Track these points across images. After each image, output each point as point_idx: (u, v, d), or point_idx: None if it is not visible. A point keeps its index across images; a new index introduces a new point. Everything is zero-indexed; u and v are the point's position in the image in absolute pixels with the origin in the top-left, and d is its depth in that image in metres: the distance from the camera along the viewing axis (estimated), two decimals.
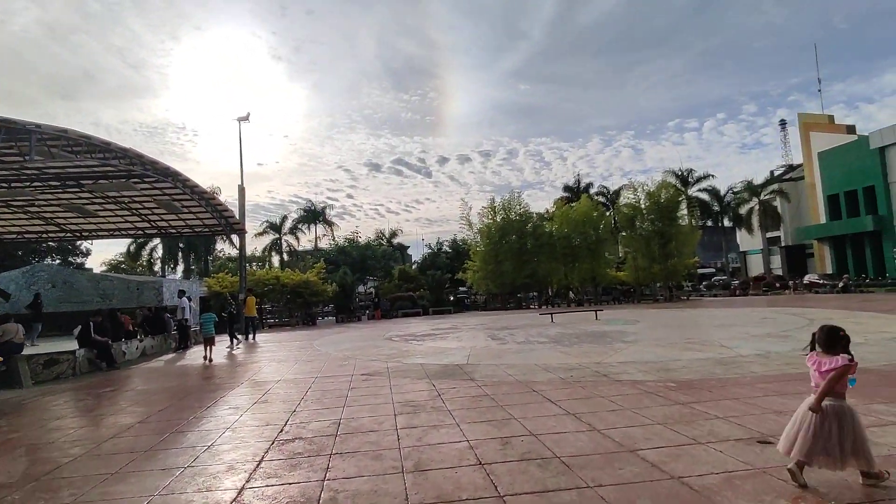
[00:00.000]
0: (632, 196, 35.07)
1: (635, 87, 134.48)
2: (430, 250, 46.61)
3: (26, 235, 19.70)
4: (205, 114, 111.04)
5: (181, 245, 38.13)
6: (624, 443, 4.51)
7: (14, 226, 18.56)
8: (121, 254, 44.24)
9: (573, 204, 37.17)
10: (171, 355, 14.04)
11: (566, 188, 50.62)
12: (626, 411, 5.59)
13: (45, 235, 20.17)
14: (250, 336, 17.94)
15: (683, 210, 36.16)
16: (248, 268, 25.15)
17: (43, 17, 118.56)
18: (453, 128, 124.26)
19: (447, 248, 44.69)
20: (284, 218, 46.62)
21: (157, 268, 40.23)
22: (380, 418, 5.84)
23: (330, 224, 48.01)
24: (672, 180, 41.67)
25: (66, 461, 4.89)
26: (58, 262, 36.28)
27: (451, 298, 35.70)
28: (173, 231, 20.93)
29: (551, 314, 19.51)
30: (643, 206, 33.97)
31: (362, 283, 36.05)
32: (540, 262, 33.62)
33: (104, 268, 43.53)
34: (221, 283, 25.72)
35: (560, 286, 36.53)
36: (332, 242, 43.90)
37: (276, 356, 12.61)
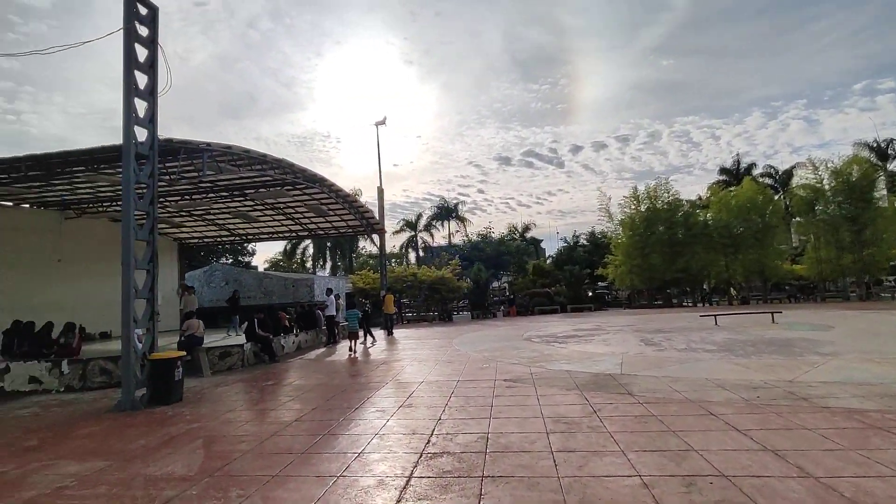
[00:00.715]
0: (811, 176, 29.88)
1: (806, 49, 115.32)
2: (565, 244, 45.05)
3: (205, 240, 23.03)
4: (346, 121, 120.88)
5: (328, 244, 41.84)
6: (861, 502, 3.49)
7: (196, 231, 21.79)
8: (279, 253, 50.06)
9: (733, 188, 32.93)
10: (321, 349, 15.21)
11: (723, 170, 45.25)
12: (850, 453, 4.43)
13: (219, 239, 23.37)
14: (389, 332, 18.92)
15: (883, 189, 29.82)
16: (387, 265, 26.51)
17: (215, 50, 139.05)
18: (587, 114, 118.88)
19: (584, 241, 42.73)
20: (419, 216, 48.62)
21: (308, 265, 44.69)
22: (531, 436, 5.40)
23: (462, 220, 48.91)
24: (865, 154, 34.75)
25: (236, 457, 5.26)
26: (230, 261, 42.12)
27: (590, 295, 33.99)
28: (321, 232, 22.80)
29: (714, 315, 17.32)
30: (826, 186, 28.77)
31: (496, 278, 36.02)
32: (695, 254, 30.32)
33: (266, 265, 49.70)
34: (365, 280, 27.49)
35: (719, 281, 32.67)
36: (466, 238, 44.65)
37: (416, 355, 12.90)
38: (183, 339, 11.63)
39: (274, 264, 49.12)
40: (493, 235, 44.38)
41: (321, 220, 21.06)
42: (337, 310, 16.52)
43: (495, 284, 36.22)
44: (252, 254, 44.72)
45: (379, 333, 19.19)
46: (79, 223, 17.38)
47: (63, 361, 10.26)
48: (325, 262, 44.47)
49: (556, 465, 4.49)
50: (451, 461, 4.75)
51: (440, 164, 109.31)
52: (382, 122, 24.10)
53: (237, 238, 22.73)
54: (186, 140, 10.19)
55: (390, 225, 49.07)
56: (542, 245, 54.55)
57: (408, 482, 4.31)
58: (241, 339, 12.89)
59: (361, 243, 47.54)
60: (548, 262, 42.41)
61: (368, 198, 38.53)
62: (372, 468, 4.71)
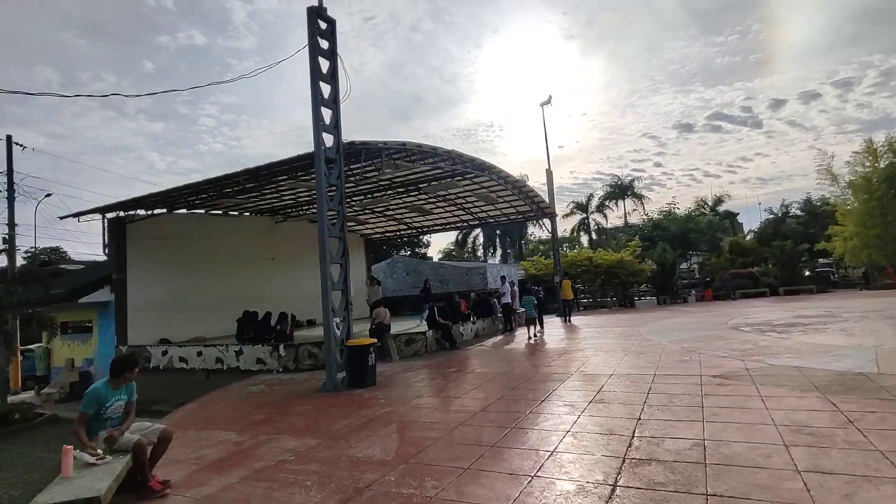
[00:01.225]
0: None
1: None
2: (771, 216, 38.71)
3: (386, 234, 25.08)
4: (508, 108, 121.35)
5: (498, 232, 42.46)
6: None
7: (378, 227, 23.86)
8: (451, 243, 52.50)
9: None
10: (499, 337, 15.29)
11: None
12: None
13: (398, 233, 25.21)
14: (567, 318, 18.27)
15: None
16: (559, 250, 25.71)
17: (384, 59, 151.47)
18: (790, 61, 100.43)
19: (796, 211, 36.14)
20: (590, 196, 46.38)
21: (479, 253, 45.97)
22: (762, 448, 4.45)
23: (639, 198, 45.28)
24: None
25: (428, 445, 5.35)
26: (408, 253, 45.45)
27: (807, 275, 28.58)
28: (491, 220, 23.07)
29: None
30: None
31: (684, 259, 32.54)
32: None
33: (440, 255, 52.65)
34: (536, 266, 27.14)
35: None
36: (645, 217, 41.23)
37: (600, 344, 12.11)
38: (373, 326, 12.65)
39: (447, 254, 51.72)
40: (677, 211, 40.19)
41: (490, 207, 21.24)
42: (512, 297, 16.45)
43: (683, 266, 32.77)
44: (427, 245, 47.64)
45: (555, 321, 18.67)
46: (285, 226, 20.24)
47: (280, 346, 11.93)
48: (494, 249, 45.27)
49: (808, 490, 3.57)
50: (662, 471, 4.12)
51: (609, 141, 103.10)
52: (548, 102, 23.33)
53: (413, 231, 24.24)
54: (366, 141, 10.94)
55: (559, 208, 47.66)
56: (739, 219, 47.78)
57: (612, 492, 3.82)
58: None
59: (531, 229, 47.23)
60: (748, 237, 36.91)
61: (535, 182, 38.08)
62: (568, 471, 4.32)
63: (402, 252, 41.27)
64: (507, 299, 16.20)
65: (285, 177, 13.82)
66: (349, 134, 10.51)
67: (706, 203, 43.34)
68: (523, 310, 18.03)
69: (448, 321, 13.36)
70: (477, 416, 6.40)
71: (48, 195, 27.57)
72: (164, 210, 16.27)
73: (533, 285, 18.39)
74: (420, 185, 17.57)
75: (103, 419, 4.69)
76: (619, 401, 6.55)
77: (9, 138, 19.04)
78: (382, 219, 22.42)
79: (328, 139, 9.71)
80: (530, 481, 4.15)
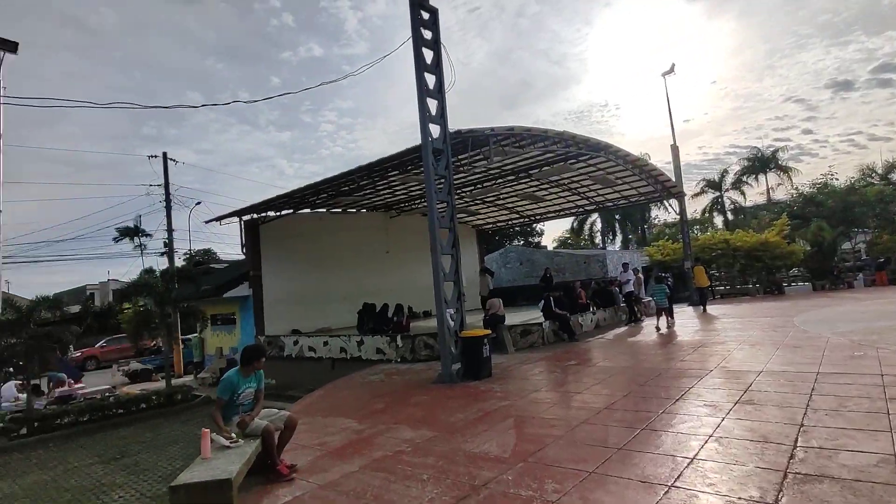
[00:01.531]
0: None
1: None
2: None
3: (498, 224, 24.84)
4: (623, 85, 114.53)
5: (617, 216, 40.13)
6: None
7: (489, 217, 23.71)
8: (565, 231, 50.76)
9: None
10: (622, 328, 14.35)
11: None
12: None
13: (510, 222, 24.84)
14: (703, 308, 16.66)
15: None
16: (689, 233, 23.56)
17: (490, 48, 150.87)
18: None
19: None
20: (724, 172, 41.90)
21: (597, 240, 43.89)
22: None
23: (785, 170, 39.92)
24: None
25: (548, 443, 5.04)
26: (521, 243, 44.82)
27: None
28: (609, 204, 21.78)
29: None
30: None
31: (847, 238, 28.08)
32: None
33: (554, 244, 51.18)
34: (663, 251, 25.18)
35: None
36: (793, 192, 36.26)
37: (744, 336, 10.78)
38: (487, 317, 12.52)
39: (562, 243, 50.14)
40: (835, 183, 34.73)
41: (608, 190, 20.04)
42: (637, 286, 15.34)
43: (846, 246, 28.33)
44: (540, 234, 46.63)
45: (686, 310, 17.11)
46: (399, 220, 20.92)
47: (398, 336, 12.29)
48: (614, 235, 42.90)
49: None
50: (839, 491, 3.41)
51: (744, 110, 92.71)
52: (670, 72, 21.34)
53: (526, 219, 23.72)
54: (473, 129, 10.78)
55: (687, 188, 43.73)
56: None
57: None
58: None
59: (654, 212, 44.04)
60: None
61: (659, 161, 35.08)
62: (714, 482, 3.76)
63: (515, 242, 40.79)
64: (630, 288, 15.14)
65: (396, 172, 14.18)
66: (457, 126, 10.43)
67: (874, 171, 36.95)
68: (649, 299, 16.82)
69: (565, 311, 12.79)
70: (601, 413, 5.94)
71: (198, 203, 31.45)
72: (291, 210, 17.64)
73: (660, 272, 16.95)
74: (531, 172, 17.07)
75: (236, 405, 5.05)
76: (773, 403, 5.67)
77: (164, 155, 22.05)
78: (493, 208, 22.22)
79: (434, 130, 9.69)
80: (667, 492, 3.68)
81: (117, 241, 26.92)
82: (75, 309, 37.08)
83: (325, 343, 14.00)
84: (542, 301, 12.89)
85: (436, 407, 7.24)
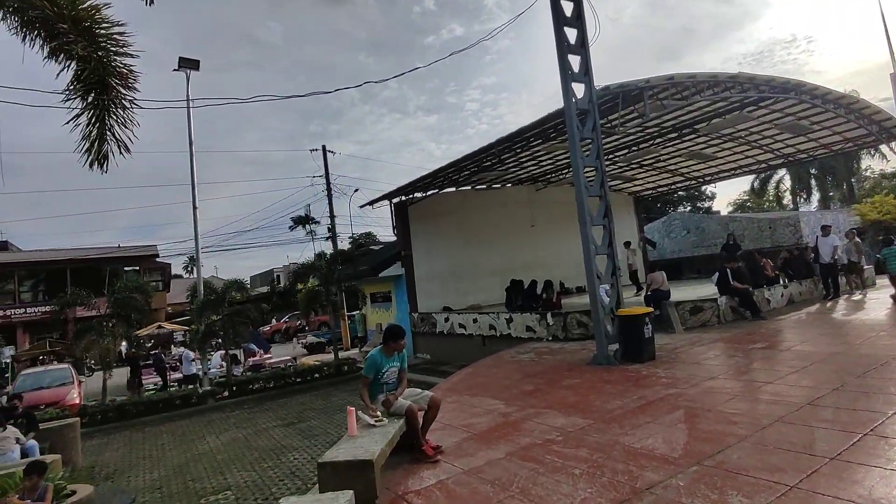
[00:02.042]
0: None
1: None
2: None
3: (659, 189, 22.52)
4: (817, 13, 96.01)
5: (813, 171, 33.89)
6: None
7: (649, 182, 21.58)
8: (744, 192, 44.48)
9: None
10: (819, 304, 12.00)
11: None
12: None
13: (673, 187, 22.37)
14: None
15: None
16: None
17: None
18: None
19: None
20: None
21: (786, 201, 37.70)
22: None
23: None
24: None
25: (730, 443, 4.24)
26: (688, 209, 40.48)
27: None
28: (803, 156, 18.29)
29: None
30: None
31: None
32: None
33: (730, 208, 45.18)
34: (881, 209, 20.71)
35: None
36: None
37: None
38: (649, 293, 11.39)
39: (739, 206, 44.13)
40: None
41: (801, 139, 16.84)
42: (854, 252, 12.66)
43: None
44: (712, 198, 41.63)
45: None
46: (547, 192, 20.14)
47: (548, 314, 11.80)
48: (809, 194, 36.39)
49: None
50: None
51: None
52: None
53: (693, 182, 21.14)
54: (623, 83, 9.67)
55: None
56: None
57: None
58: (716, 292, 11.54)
59: (866, 162, 36.30)
60: None
61: (870, 98, 28.52)
62: None
63: (680, 209, 37.03)
64: (827, 257, 12.36)
65: (539, 141, 13.52)
66: (605, 83, 9.34)
67: None
68: (869, 267, 13.91)
69: (747, 285, 11.07)
70: (802, 410, 4.86)
71: (356, 190, 34.08)
72: (436, 190, 18.01)
73: (891, 235, 13.48)
74: (697, 126, 15.02)
75: (381, 383, 5.11)
76: None
77: (323, 148, 24.14)
78: (653, 172, 20.18)
79: (578, 89, 8.87)
80: None
81: (292, 229, 30.48)
82: (264, 289, 43.17)
83: (475, 320, 14.08)
84: (717, 273, 11.30)
85: (590, 391, 6.68)
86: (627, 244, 17.39)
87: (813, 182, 35.66)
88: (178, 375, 16.94)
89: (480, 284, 18.21)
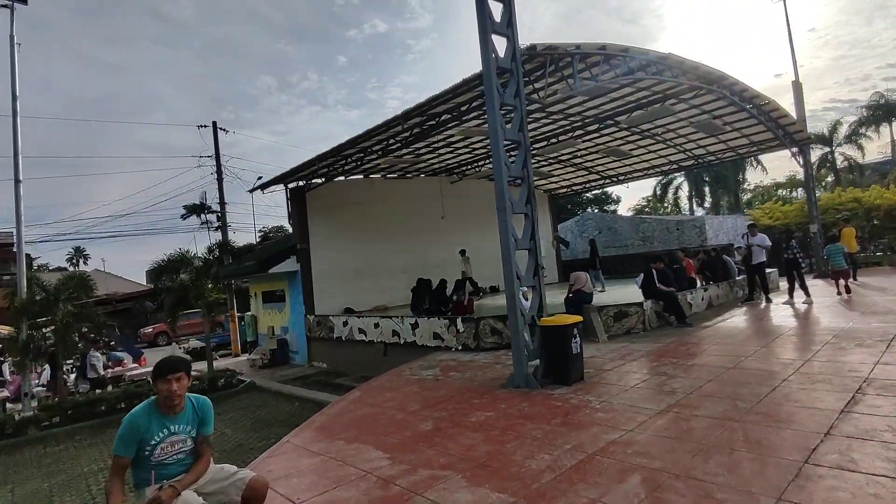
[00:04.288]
0: None
1: None
2: None
3: (574, 187, 21.57)
4: (706, 39, 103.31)
5: (706, 178, 35.12)
6: None
7: (564, 180, 20.51)
8: (643, 198, 45.79)
9: None
10: (742, 308, 11.10)
11: None
12: None
13: (588, 185, 21.50)
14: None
15: None
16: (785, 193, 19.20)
17: (558, 9, 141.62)
18: None
19: None
20: (836, 124, 35.55)
21: (684, 206, 38.97)
22: None
23: None
24: None
25: None
26: (595, 211, 40.74)
27: None
28: (711, 158, 17.91)
29: None
30: None
31: None
32: None
33: (630, 213, 46.34)
34: (771, 215, 21.05)
35: None
36: None
37: None
38: (570, 295, 9.81)
39: (639, 211, 45.36)
40: None
41: (712, 140, 16.34)
42: (766, 255, 11.87)
43: None
44: (617, 201, 42.23)
45: (818, 284, 13.41)
46: (462, 185, 18.35)
47: (458, 319, 9.87)
48: (702, 200, 37.81)
49: None
50: None
51: (848, 59, 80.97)
52: None
53: (608, 181, 20.30)
54: (551, 44, 7.95)
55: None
56: None
57: None
58: (639, 295, 10.17)
59: (748, 174, 38.27)
60: None
61: None
62: None
63: (590, 209, 37.03)
64: (763, 257, 11.44)
65: (455, 123, 11.61)
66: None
67: None
68: (772, 270, 13.41)
69: (672, 287, 9.80)
70: (808, 468, 3.18)
71: (260, 178, 30.28)
72: (342, 177, 15.57)
73: (788, 241, 13.07)
74: (618, 118, 13.84)
75: (151, 464, 2.80)
76: None
77: (214, 124, 20.69)
78: (570, 168, 19.06)
79: (500, 43, 6.97)
80: None
81: (184, 218, 26.42)
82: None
83: (377, 325, 11.88)
84: (642, 274, 9.95)
85: (507, 434, 4.75)
86: (462, 252, 15.94)
87: (707, 190, 37.03)
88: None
89: (388, 283, 16.04)
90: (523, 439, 4.58)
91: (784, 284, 12.31)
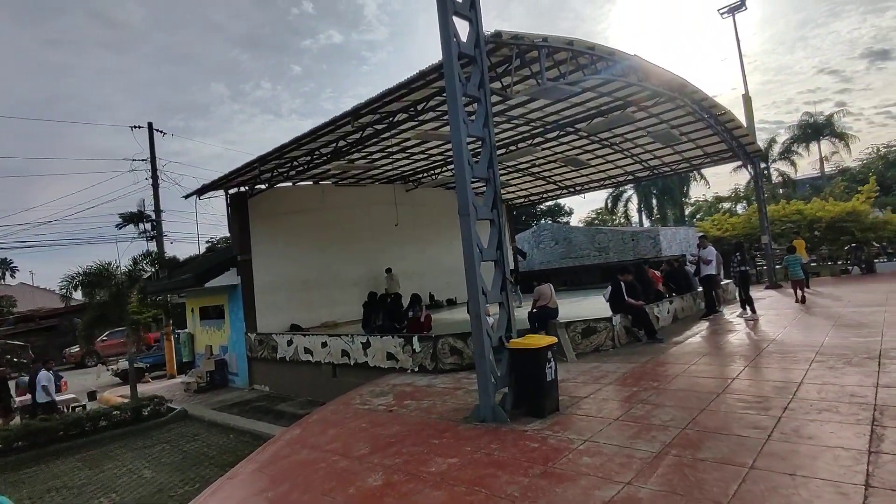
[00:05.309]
0: None
1: None
2: None
3: (531, 197, 21.01)
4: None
5: (654, 191, 35.74)
6: None
7: (522, 189, 19.90)
8: (593, 210, 46.21)
9: None
10: (705, 322, 10.60)
11: None
12: None
13: (544, 195, 21.03)
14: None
15: None
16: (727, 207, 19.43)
17: (509, 27, 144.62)
18: None
19: None
20: (771, 142, 37.10)
21: (634, 218, 39.48)
22: None
23: (842, 137, 35.16)
24: None
25: None
26: (549, 222, 40.69)
27: None
28: (666, 169, 17.76)
29: None
30: None
31: None
32: None
33: (581, 225, 46.66)
34: (720, 226, 21.19)
35: None
36: (859, 160, 31.52)
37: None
38: (534, 309, 8.97)
39: (590, 224, 45.78)
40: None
41: (668, 151, 16.12)
42: (718, 266, 11.51)
43: None
44: (569, 213, 42.35)
45: (770, 296, 13.22)
46: (418, 194, 17.38)
47: (414, 338, 8.81)
48: (650, 213, 38.44)
49: None
50: None
51: (774, 84, 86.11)
52: (740, 7, 17.05)
53: (564, 191, 19.84)
54: (517, 34, 7.13)
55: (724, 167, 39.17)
56: None
57: None
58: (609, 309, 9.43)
59: (692, 187, 39.27)
60: None
61: None
62: None
63: (543, 221, 36.85)
64: (711, 269, 11.13)
65: (411, 124, 10.67)
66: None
67: None
68: (727, 282, 13.18)
69: (641, 301, 9.13)
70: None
71: (197, 186, 28.14)
72: (288, 183, 14.28)
73: (736, 251, 12.87)
74: (578, 125, 13.29)
75: None
76: None
77: (150, 125, 18.81)
78: (527, 178, 18.46)
79: (462, 28, 6.06)
80: None
81: (120, 227, 24.08)
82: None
83: (325, 344, 10.63)
84: (609, 287, 9.22)
85: (476, 492, 3.74)
86: (388, 270, 15.12)
87: (655, 202, 37.68)
88: None
89: (338, 297, 14.79)
90: (497, 499, 3.58)
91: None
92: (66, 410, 11.99)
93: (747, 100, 16.33)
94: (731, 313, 11.04)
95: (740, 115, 16.30)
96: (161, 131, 19.21)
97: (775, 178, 37.70)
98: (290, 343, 11.56)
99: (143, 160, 18.23)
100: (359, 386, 8.35)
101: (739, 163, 24.71)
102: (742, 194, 35.96)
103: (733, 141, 14.78)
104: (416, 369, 8.67)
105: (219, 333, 14.45)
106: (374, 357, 9.42)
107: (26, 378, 14.47)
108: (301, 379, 11.36)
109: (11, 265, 62.74)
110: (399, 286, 14.21)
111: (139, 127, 18.81)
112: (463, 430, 5.27)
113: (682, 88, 11.54)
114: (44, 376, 11.59)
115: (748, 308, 10.56)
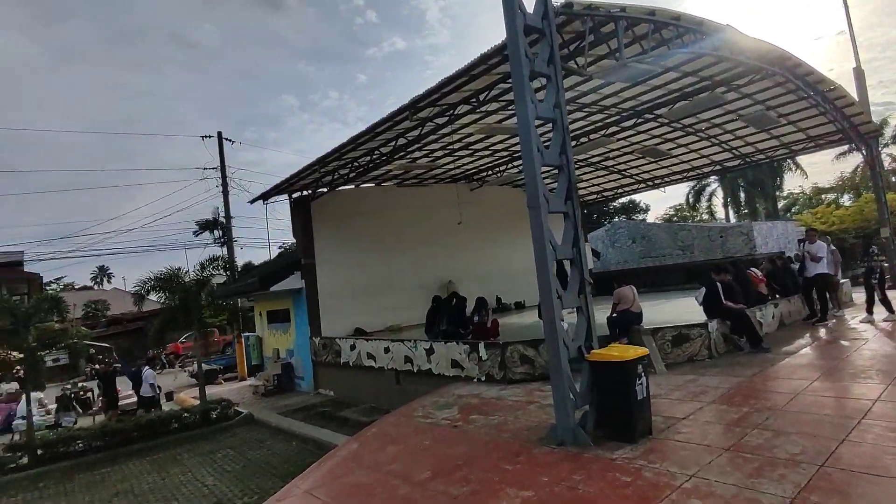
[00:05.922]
0: None
1: None
2: None
3: (604, 193, 19.80)
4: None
5: (742, 183, 32.85)
6: None
7: (594, 184, 18.71)
8: (672, 206, 43.36)
9: None
10: (820, 329, 9.21)
11: None
12: None
13: (618, 191, 19.74)
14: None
15: None
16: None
17: None
18: None
19: None
20: (883, 123, 32.97)
21: (719, 214, 36.60)
22: None
23: None
24: None
25: None
26: (623, 219, 38.64)
27: None
28: (761, 156, 16.02)
29: None
30: None
31: None
32: None
33: (661, 223, 43.85)
34: (825, 219, 18.95)
35: None
36: None
37: None
38: (614, 314, 8.13)
39: (667, 221, 43.00)
40: None
41: (762, 136, 14.50)
42: (833, 265, 10.03)
43: None
44: (645, 210, 40.06)
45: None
46: (484, 192, 16.84)
47: (480, 345, 8.25)
48: (739, 207, 35.39)
49: None
50: None
51: (881, 61, 77.09)
52: None
53: (642, 185, 18.47)
54: (592, 3, 6.38)
55: (826, 152, 35.34)
56: None
57: None
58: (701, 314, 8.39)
59: (788, 180, 35.70)
60: None
61: None
62: None
63: (617, 218, 35.03)
64: (823, 268, 9.61)
65: (472, 115, 10.17)
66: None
67: None
68: (845, 281, 11.54)
69: (742, 305, 8.02)
70: None
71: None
72: (351, 186, 14.21)
73: (868, 245, 11.16)
74: (657, 111, 12.18)
75: None
76: None
77: (219, 135, 19.67)
78: (600, 172, 17.35)
79: (528, 2, 5.44)
80: None
81: (197, 235, 25.44)
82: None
83: (387, 350, 10.32)
84: (704, 289, 8.17)
85: None
86: (450, 282, 14.45)
87: (743, 196, 34.71)
88: None
89: (402, 300, 14.52)
90: None
91: (859, 297, 10.50)
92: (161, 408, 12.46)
93: (860, 73, 14.29)
94: (853, 318, 9.55)
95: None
96: (230, 140, 20.10)
97: (888, 163, 33.54)
98: (353, 348, 11.38)
99: (213, 168, 19.14)
100: (422, 395, 7.93)
101: (846, 148, 22.16)
102: (849, 183, 32.22)
103: (844, 121, 12.97)
104: (483, 378, 8.10)
105: (285, 337, 14.64)
106: (438, 364, 8.95)
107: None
108: (364, 384, 11.13)
109: (108, 271, 68.53)
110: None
111: (209, 136, 19.79)
112: (538, 453, 4.64)
113: (782, 62, 10.16)
114: (150, 374, 12.18)
115: (888, 308, 9.08)
